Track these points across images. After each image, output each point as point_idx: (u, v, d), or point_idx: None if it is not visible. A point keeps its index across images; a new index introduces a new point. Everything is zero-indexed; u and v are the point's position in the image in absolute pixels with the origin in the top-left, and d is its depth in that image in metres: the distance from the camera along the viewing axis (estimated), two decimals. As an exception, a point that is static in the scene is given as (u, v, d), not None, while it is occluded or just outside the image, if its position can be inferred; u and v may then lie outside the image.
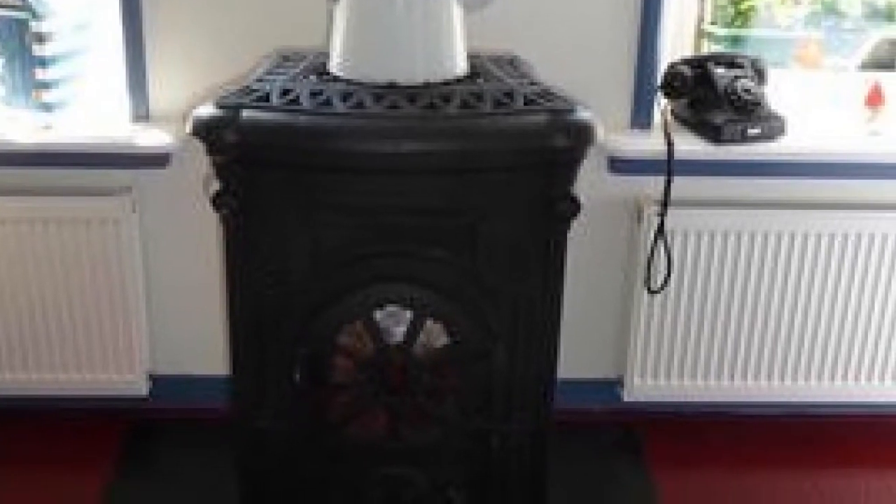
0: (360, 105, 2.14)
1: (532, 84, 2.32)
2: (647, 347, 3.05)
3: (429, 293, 2.26)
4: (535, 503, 2.51)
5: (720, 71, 2.86)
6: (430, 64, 2.29)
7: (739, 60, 2.90)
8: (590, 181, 2.34)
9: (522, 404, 2.38)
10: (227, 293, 2.30)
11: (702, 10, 3.11)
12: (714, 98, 2.83)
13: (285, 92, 2.20)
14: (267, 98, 2.17)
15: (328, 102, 2.15)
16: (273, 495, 2.47)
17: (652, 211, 2.87)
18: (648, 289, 2.93)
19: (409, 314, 2.30)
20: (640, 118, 2.90)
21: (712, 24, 3.17)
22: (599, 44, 2.83)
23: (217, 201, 2.18)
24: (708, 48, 3.16)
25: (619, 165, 2.87)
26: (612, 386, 3.17)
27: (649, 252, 2.89)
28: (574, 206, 2.19)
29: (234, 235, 2.24)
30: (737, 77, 2.84)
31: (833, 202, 2.95)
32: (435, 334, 2.35)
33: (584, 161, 2.20)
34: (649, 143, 2.82)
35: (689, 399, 3.13)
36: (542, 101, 2.19)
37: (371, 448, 2.46)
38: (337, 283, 2.26)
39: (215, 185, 2.19)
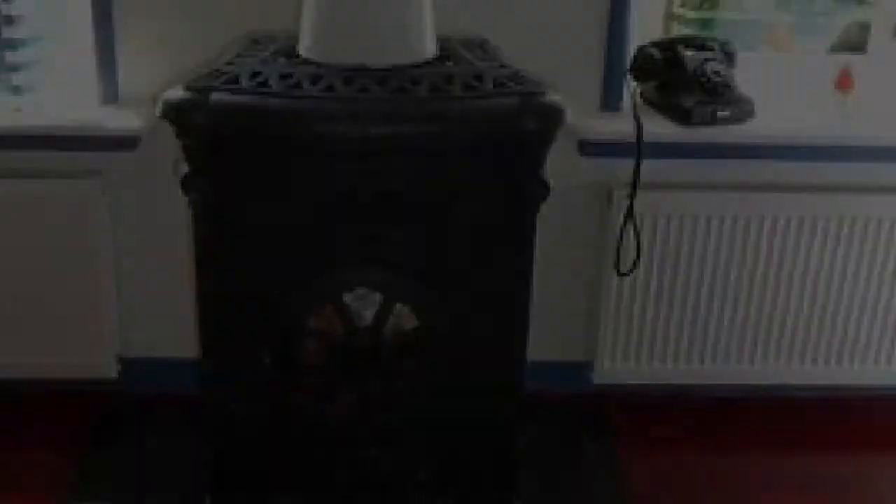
0: (329, 88, 2.14)
1: (501, 67, 2.32)
2: (617, 330, 3.06)
3: (398, 276, 2.26)
4: (505, 485, 2.53)
5: (690, 54, 2.86)
6: (399, 47, 2.28)
7: (709, 43, 2.91)
8: (560, 164, 2.33)
9: (492, 386, 2.39)
10: (197, 276, 2.30)
11: (672, -8, 3.12)
12: (683, 81, 2.83)
13: (255, 75, 2.19)
14: (236, 81, 2.16)
15: (298, 85, 2.15)
16: (243, 478, 2.47)
17: (622, 194, 2.87)
18: (618, 271, 2.93)
19: (378, 297, 2.31)
20: (610, 101, 2.90)
21: (682, 6, 3.17)
22: (569, 27, 2.83)
23: (186, 184, 2.18)
24: (678, 31, 3.15)
25: (589, 148, 2.88)
26: (582, 368, 3.17)
27: (619, 235, 2.89)
28: (544, 189, 2.20)
29: (204, 218, 2.24)
30: (706, 60, 2.84)
31: (802, 185, 2.96)
32: (404, 317, 2.36)
33: (554, 144, 2.20)
34: (619, 126, 2.82)
35: (658, 381, 3.14)
36: (511, 83, 2.19)
37: (341, 430, 2.47)
38: (307, 266, 2.26)
39: (185, 168, 2.19)
